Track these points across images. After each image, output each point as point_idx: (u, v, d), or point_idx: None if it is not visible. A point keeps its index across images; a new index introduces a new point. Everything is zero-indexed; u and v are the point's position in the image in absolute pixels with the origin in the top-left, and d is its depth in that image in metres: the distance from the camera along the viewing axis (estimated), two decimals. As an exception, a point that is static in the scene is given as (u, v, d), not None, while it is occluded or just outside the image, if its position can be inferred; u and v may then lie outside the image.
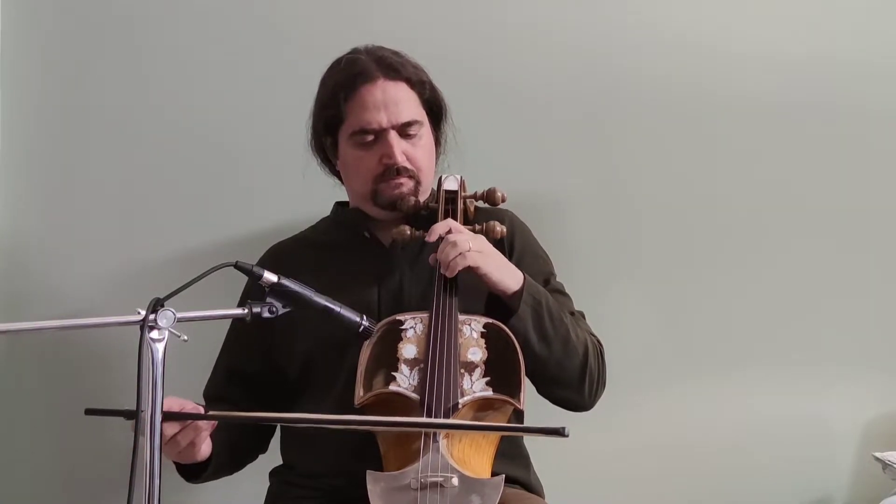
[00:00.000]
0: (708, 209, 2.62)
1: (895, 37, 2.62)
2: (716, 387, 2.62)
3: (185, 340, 1.67)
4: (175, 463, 2.03)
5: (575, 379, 2.09)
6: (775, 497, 2.60)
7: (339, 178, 2.29)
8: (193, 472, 2.07)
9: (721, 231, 2.62)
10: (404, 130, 2.16)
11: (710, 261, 2.62)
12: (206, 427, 1.94)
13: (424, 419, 1.89)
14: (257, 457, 2.27)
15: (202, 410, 1.94)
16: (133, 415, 1.75)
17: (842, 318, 2.62)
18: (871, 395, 2.62)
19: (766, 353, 2.61)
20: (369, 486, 1.84)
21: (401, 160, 2.14)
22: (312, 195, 2.36)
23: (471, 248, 2.00)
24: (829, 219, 2.62)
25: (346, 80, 2.16)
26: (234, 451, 2.15)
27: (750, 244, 2.62)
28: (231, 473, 2.21)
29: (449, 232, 2.05)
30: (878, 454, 2.48)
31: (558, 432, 1.70)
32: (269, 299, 1.77)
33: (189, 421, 1.90)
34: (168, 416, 1.82)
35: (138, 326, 1.63)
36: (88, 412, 1.79)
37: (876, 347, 2.63)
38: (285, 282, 1.78)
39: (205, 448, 1.99)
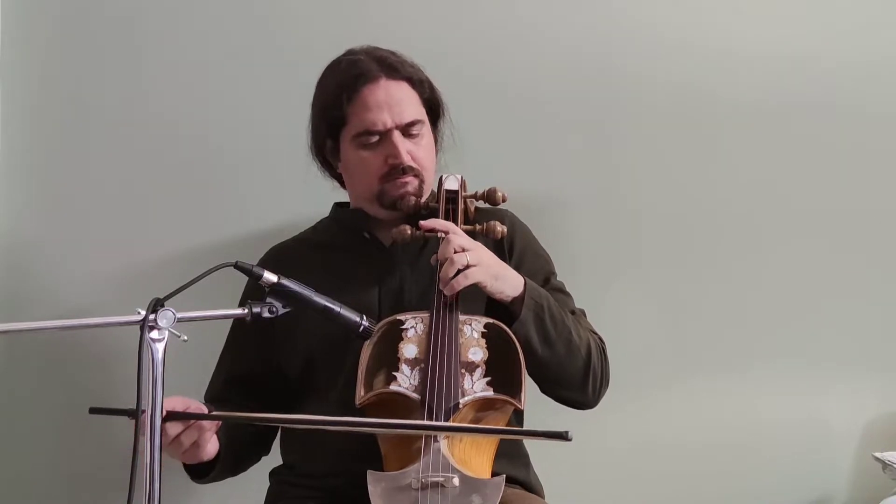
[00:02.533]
0: (708, 209, 2.62)
1: (892, 38, 2.62)
2: (716, 387, 2.62)
3: (185, 340, 1.67)
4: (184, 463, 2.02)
5: (578, 379, 2.09)
6: (775, 497, 2.61)
7: (340, 182, 2.28)
8: (199, 472, 2.07)
9: (721, 231, 2.62)
10: (408, 130, 2.16)
11: (710, 261, 2.62)
12: (210, 427, 1.92)
13: (429, 422, 1.89)
14: (259, 459, 2.27)
15: (206, 410, 1.93)
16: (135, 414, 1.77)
17: (842, 318, 2.62)
18: (871, 395, 2.62)
19: (766, 352, 2.61)
20: (370, 487, 1.84)
21: (406, 160, 2.14)
22: (312, 196, 2.35)
23: (469, 263, 1.99)
24: (830, 219, 2.63)
25: (348, 82, 2.15)
26: (237, 453, 2.14)
27: (750, 244, 2.62)
28: (233, 475, 2.20)
29: (447, 232, 2.05)
30: (878, 454, 2.48)
31: (562, 436, 1.67)
32: (269, 299, 1.77)
33: (192, 421, 1.89)
34: (170, 416, 1.82)
35: (138, 326, 1.63)
36: (93, 411, 1.79)
37: (876, 347, 2.63)
38: (285, 282, 1.79)
39: (210, 448, 1.98)
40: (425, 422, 1.89)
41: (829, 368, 2.62)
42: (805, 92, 2.61)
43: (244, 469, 2.24)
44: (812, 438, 2.62)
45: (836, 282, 2.62)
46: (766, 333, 2.62)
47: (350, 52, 2.22)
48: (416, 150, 2.16)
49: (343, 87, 2.16)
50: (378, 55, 2.18)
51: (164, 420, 1.82)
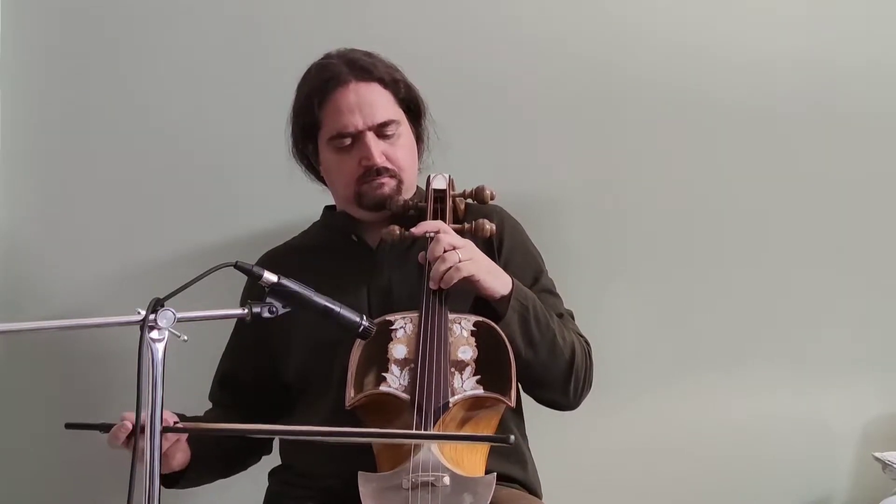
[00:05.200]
0: (703, 208, 2.62)
1: (890, 40, 2.62)
2: (715, 386, 2.61)
3: (185, 340, 1.67)
4: None
5: (560, 382, 2.09)
6: (775, 497, 2.60)
7: (324, 183, 2.28)
8: (168, 481, 2.07)
9: (717, 230, 2.62)
10: (381, 131, 2.16)
11: (705, 260, 2.61)
12: (174, 439, 1.94)
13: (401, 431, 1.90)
14: (259, 458, 2.28)
15: (175, 420, 1.93)
16: (108, 428, 1.84)
17: (842, 318, 2.62)
18: (871, 395, 2.62)
19: (765, 352, 2.61)
20: (361, 488, 1.84)
21: (380, 161, 2.14)
22: (312, 196, 2.35)
23: (461, 259, 2.00)
24: (829, 219, 2.62)
25: (319, 86, 2.17)
26: (220, 459, 2.16)
27: (747, 243, 2.62)
28: (222, 478, 2.22)
29: (438, 232, 2.05)
30: (878, 454, 2.48)
31: (504, 441, 1.77)
32: (268, 299, 1.77)
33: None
34: (167, 430, 1.81)
35: (138, 326, 1.63)
36: (69, 426, 1.82)
37: (876, 347, 2.62)
38: (285, 282, 1.78)
39: (180, 457, 2.00)
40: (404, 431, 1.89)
41: (828, 368, 2.62)
42: (803, 94, 2.60)
43: (238, 470, 2.25)
44: (812, 438, 2.62)
45: (836, 282, 2.61)
46: (765, 333, 2.61)
47: (325, 57, 2.22)
48: (392, 151, 2.16)
49: (314, 91, 2.17)
50: (350, 57, 2.19)
51: (162, 433, 1.83)
